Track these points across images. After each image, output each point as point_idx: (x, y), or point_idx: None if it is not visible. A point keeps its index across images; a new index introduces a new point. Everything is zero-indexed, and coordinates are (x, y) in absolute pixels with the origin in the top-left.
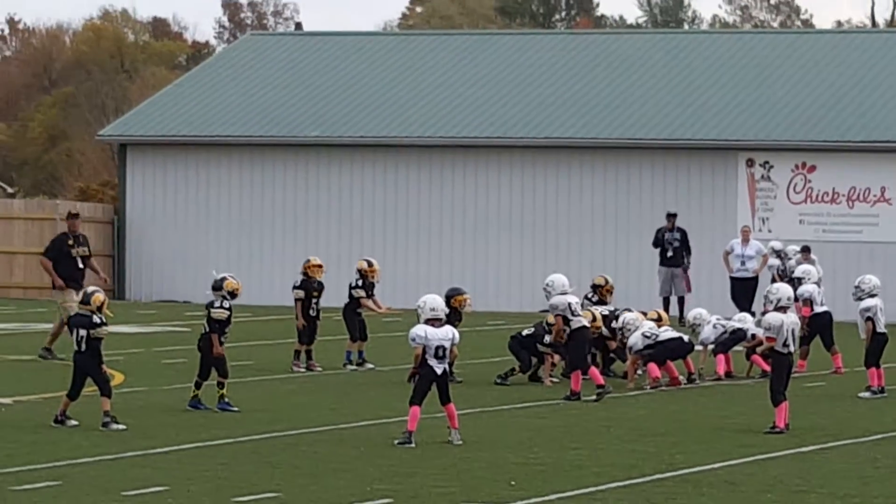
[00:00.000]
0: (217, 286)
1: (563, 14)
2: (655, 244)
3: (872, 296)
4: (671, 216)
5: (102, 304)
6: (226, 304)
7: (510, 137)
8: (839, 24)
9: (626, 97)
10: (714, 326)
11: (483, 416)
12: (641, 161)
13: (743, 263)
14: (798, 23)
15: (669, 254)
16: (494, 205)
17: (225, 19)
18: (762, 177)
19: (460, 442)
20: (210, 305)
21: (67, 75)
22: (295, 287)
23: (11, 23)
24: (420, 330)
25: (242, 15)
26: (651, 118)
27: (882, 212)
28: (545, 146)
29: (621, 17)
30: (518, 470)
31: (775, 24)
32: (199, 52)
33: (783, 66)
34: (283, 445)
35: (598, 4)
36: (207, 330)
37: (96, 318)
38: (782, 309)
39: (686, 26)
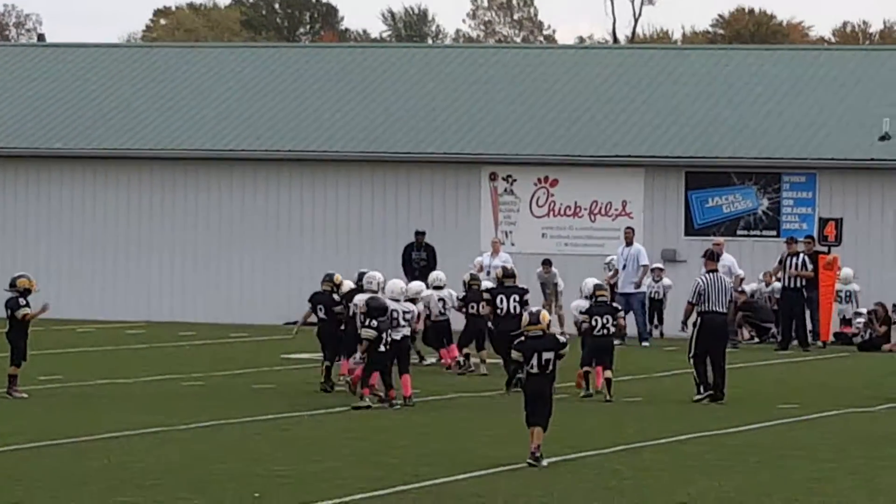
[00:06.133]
0: None
1: (308, 28)
2: (404, 265)
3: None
4: (419, 234)
5: None
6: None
7: (244, 150)
8: (581, 39)
9: (370, 111)
10: None
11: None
12: (385, 175)
13: (489, 274)
14: (541, 38)
15: (416, 273)
16: (239, 217)
17: None
18: (505, 190)
19: None
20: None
21: None
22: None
23: None
24: None
25: None
26: (396, 132)
27: (624, 226)
28: (288, 159)
29: (365, 32)
30: (262, 482)
31: (518, 40)
32: None
33: (525, 81)
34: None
35: (342, 18)
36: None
37: None
38: None
39: (430, 41)
